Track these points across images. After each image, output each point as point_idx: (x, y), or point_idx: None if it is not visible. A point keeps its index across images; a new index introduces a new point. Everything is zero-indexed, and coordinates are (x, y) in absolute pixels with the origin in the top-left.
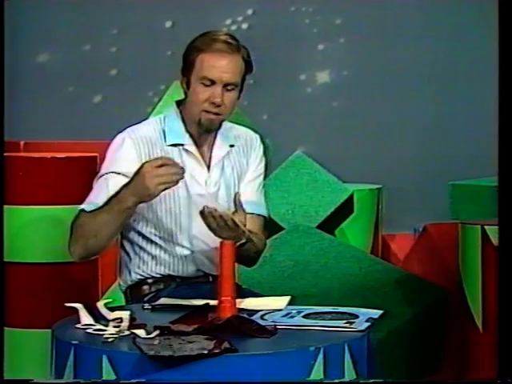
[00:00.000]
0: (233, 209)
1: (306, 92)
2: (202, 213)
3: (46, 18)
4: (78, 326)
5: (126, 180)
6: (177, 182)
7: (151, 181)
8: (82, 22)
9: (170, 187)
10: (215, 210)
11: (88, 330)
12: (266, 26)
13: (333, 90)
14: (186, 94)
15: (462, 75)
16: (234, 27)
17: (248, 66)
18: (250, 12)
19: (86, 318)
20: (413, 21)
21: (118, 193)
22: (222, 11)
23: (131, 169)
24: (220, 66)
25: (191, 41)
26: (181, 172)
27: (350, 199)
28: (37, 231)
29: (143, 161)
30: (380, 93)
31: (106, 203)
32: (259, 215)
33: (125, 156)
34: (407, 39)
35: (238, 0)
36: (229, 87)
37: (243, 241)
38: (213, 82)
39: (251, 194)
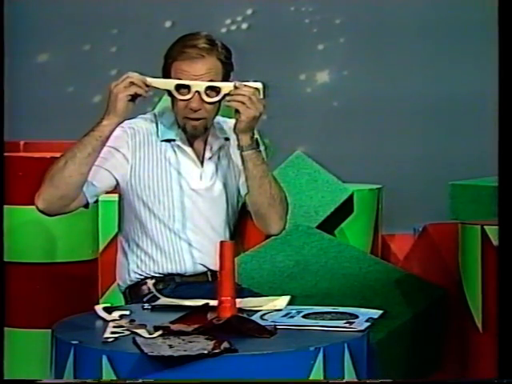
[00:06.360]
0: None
1: (306, 92)
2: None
3: (46, 17)
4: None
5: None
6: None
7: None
8: (82, 21)
9: (130, 95)
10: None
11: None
12: (265, 26)
13: (333, 90)
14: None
15: (462, 74)
16: (233, 27)
17: (226, 66)
18: (249, 12)
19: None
20: (413, 20)
21: None
22: (222, 11)
23: (117, 144)
24: (192, 70)
25: (167, 49)
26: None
27: (350, 199)
28: (37, 231)
29: (137, 148)
30: (380, 93)
31: None
32: None
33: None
34: (407, 39)
35: (238, 0)
36: (207, 90)
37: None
38: (188, 89)
39: None
